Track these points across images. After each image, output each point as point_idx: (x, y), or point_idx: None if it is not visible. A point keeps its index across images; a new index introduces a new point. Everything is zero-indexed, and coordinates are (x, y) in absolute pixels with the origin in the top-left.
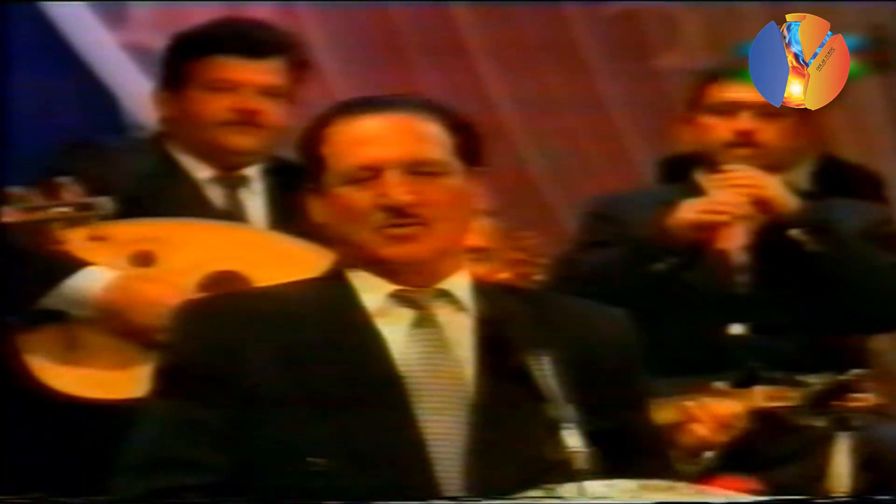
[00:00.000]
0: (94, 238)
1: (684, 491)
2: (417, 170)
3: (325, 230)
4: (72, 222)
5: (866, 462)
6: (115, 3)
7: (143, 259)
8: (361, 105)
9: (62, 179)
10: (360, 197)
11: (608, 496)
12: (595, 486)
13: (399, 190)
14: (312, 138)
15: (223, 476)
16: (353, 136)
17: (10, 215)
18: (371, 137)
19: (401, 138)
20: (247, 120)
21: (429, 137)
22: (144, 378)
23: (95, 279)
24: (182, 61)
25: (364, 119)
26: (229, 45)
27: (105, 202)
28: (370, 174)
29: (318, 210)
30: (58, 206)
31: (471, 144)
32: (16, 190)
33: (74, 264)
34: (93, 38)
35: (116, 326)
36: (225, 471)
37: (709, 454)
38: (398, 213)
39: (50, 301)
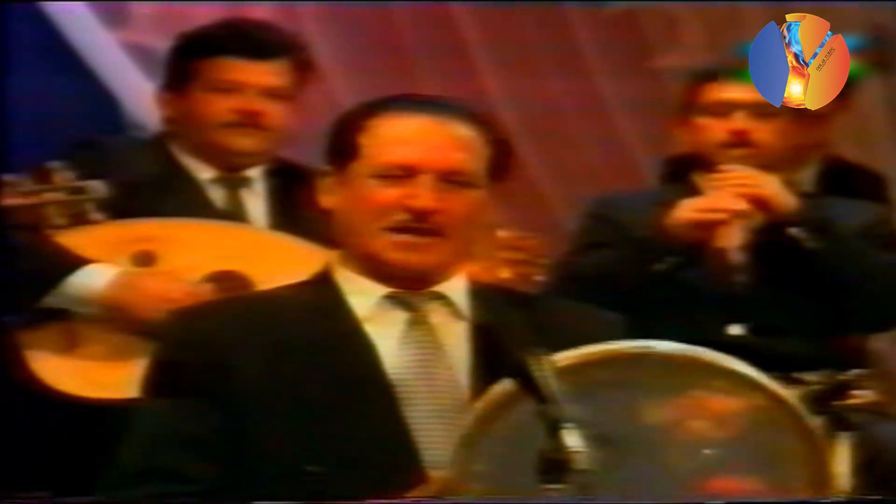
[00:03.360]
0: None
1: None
2: (450, 178)
3: (332, 216)
4: (64, 206)
5: (866, 462)
6: (115, 2)
7: (144, 259)
8: (410, 103)
9: (54, 164)
10: (386, 193)
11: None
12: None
13: (428, 195)
14: (352, 125)
15: (212, 485)
16: (397, 132)
17: (4, 200)
18: (413, 138)
19: (442, 144)
20: (250, 121)
21: (468, 147)
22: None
23: (98, 276)
24: (185, 61)
25: (411, 118)
26: (233, 45)
27: (98, 185)
28: (403, 173)
29: (331, 195)
30: (50, 190)
31: (502, 160)
32: (9, 177)
33: (76, 262)
34: (93, 38)
35: (120, 323)
36: (214, 479)
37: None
38: (419, 218)
39: (52, 300)
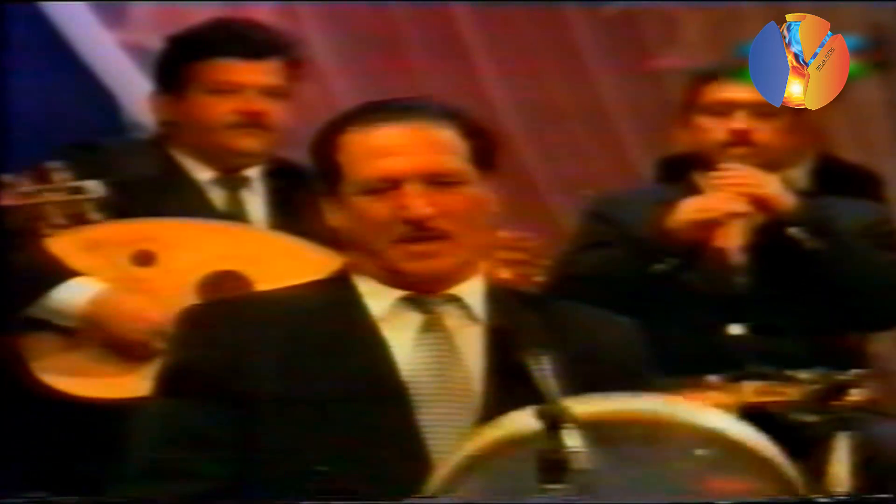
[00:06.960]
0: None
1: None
2: (436, 181)
3: (341, 235)
4: (63, 206)
5: (866, 462)
6: (115, 3)
7: (144, 258)
8: (377, 112)
9: (52, 164)
10: (378, 208)
11: None
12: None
13: (419, 203)
14: (327, 145)
15: (223, 484)
16: (371, 146)
17: (2, 200)
18: (389, 148)
19: (419, 149)
20: (252, 121)
21: (446, 147)
22: (146, 377)
23: (80, 291)
24: (180, 64)
25: (381, 128)
26: (228, 46)
27: (96, 185)
28: (389, 185)
29: (333, 215)
30: (49, 190)
31: (485, 149)
32: (7, 177)
33: (61, 274)
34: (93, 38)
35: (100, 339)
36: (225, 479)
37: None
38: (418, 227)
39: (35, 311)
